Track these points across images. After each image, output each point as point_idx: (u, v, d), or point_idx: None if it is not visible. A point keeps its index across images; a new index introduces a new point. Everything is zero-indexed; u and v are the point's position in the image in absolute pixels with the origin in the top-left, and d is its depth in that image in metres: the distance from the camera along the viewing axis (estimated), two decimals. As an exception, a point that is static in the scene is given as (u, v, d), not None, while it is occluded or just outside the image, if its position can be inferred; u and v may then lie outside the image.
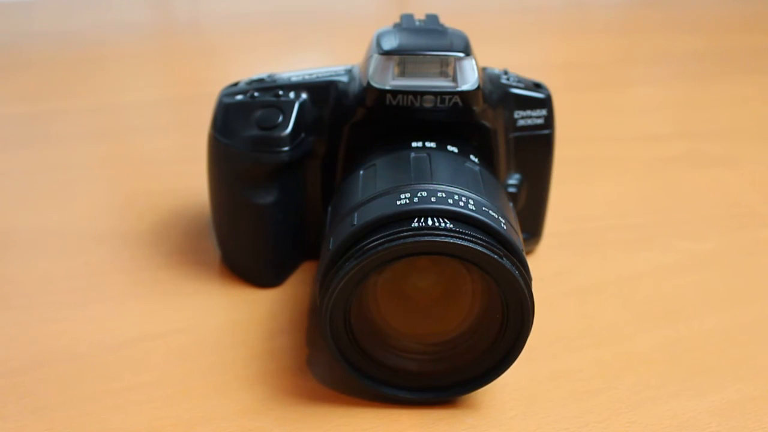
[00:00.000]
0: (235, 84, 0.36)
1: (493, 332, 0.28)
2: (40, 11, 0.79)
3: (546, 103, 0.36)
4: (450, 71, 0.31)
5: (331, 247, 0.27)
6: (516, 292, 0.27)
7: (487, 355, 0.28)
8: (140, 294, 0.36)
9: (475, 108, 0.32)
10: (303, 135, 0.34)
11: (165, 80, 0.65)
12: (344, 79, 0.34)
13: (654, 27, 0.79)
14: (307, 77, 0.34)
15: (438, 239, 0.26)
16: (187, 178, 0.43)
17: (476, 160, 0.31)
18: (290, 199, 0.34)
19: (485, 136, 0.33)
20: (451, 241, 0.26)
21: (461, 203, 0.27)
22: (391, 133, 0.32)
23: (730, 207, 0.44)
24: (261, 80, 0.35)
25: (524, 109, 0.35)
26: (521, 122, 0.35)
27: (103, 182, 0.47)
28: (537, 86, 0.36)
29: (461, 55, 0.31)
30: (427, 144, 0.31)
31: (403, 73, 0.31)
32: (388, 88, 0.31)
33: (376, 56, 0.31)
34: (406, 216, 0.26)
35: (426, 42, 0.31)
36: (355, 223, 0.27)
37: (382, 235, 0.26)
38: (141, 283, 0.37)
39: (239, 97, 0.34)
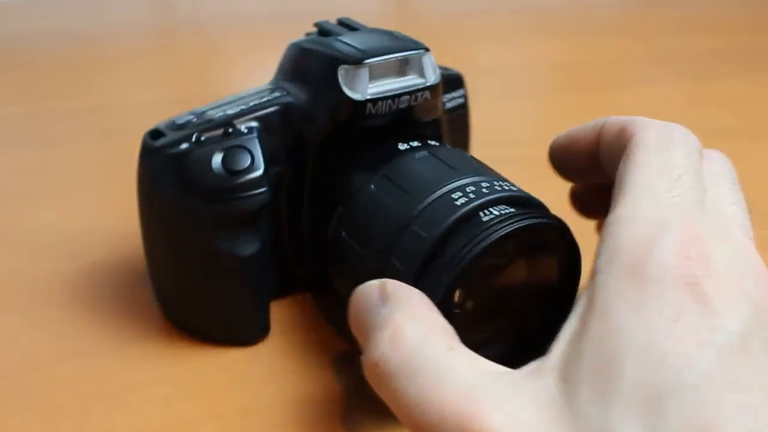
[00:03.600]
0: (158, 134, 0.31)
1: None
2: (40, 11, 0.79)
3: (462, 81, 0.36)
4: (418, 68, 0.31)
5: (400, 266, 0.26)
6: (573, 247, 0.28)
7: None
8: (139, 294, 0.36)
9: (438, 99, 0.32)
10: (271, 169, 0.30)
11: (165, 80, 0.65)
12: (290, 99, 0.31)
13: (654, 27, 0.79)
14: (244, 107, 0.31)
15: (531, 221, 0.26)
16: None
17: (451, 147, 0.32)
18: (266, 240, 0.31)
19: (440, 124, 0.33)
20: (540, 221, 0.26)
21: (506, 187, 0.27)
22: (370, 141, 0.31)
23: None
24: (189, 122, 0.31)
25: (449, 91, 0.36)
26: (448, 104, 0.36)
27: (103, 182, 0.47)
28: (446, 68, 0.36)
29: (423, 50, 0.31)
30: (413, 144, 0.30)
31: (376, 79, 0.30)
32: (368, 97, 0.30)
33: (346, 67, 0.29)
34: (472, 213, 0.26)
35: (388, 44, 0.31)
36: (425, 234, 0.26)
37: (467, 237, 0.25)
38: (141, 283, 0.37)
39: (184, 146, 0.29)
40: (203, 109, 0.31)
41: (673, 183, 0.23)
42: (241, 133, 0.30)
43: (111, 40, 0.72)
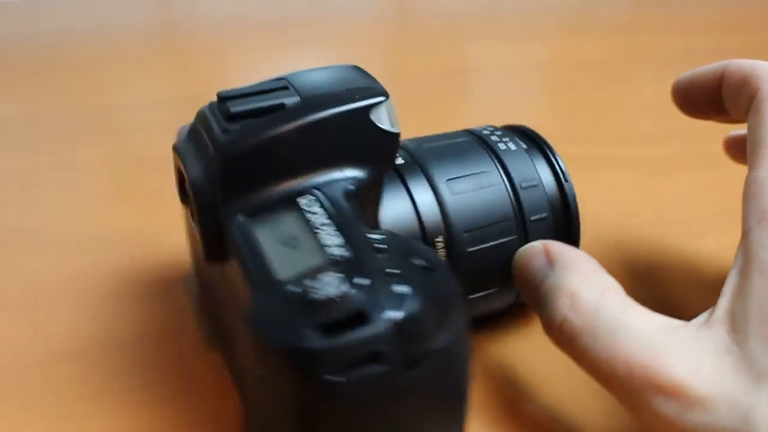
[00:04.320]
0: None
1: None
2: (41, 11, 0.79)
3: None
4: None
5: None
6: None
7: None
8: (141, 294, 0.36)
9: None
10: None
11: (165, 80, 0.65)
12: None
13: (655, 27, 0.78)
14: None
15: None
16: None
17: None
18: None
19: None
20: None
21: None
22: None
23: (730, 207, 0.44)
24: None
25: None
26: None
27: (103, 182, 0.47)
28: None
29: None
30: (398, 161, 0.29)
31: None
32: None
33: (388, 101, 0.26)
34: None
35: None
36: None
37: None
38: (141, 283, 0.37)
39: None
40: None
41: None
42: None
43: (111, 40, 0.72)
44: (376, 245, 0.21)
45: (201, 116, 0.27)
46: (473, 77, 0.67)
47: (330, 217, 0.23)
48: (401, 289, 0.19)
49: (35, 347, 0.33)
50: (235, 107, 0.25)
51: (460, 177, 0.29)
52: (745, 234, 0.23)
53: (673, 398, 0.21)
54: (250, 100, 0.25)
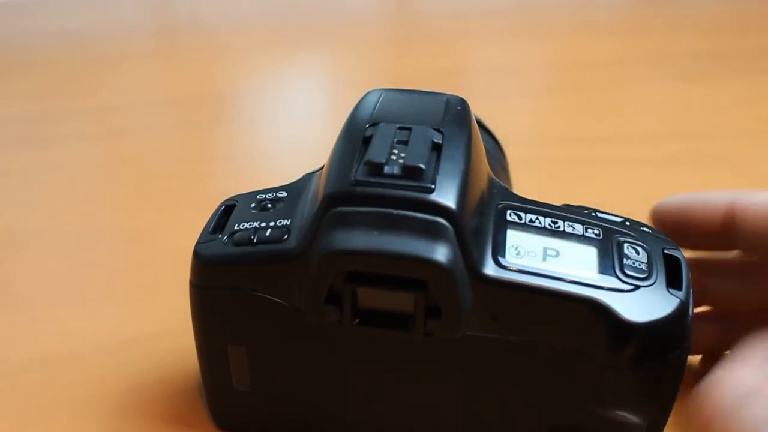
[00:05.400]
0: None
1: None
2: (41, 11, 0.79)
3: None
4: None
5: None
6: None
7: None
8: (140, 294, 0.36)
9: None
10: None
11: (166, 80, 0.65)
12: None
13: (654, 27, 0.78)
14: None
15: None
16: (187, 178, 0.44)
17: None
18: None
19: None
20: None
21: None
22: None
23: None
24: None
25: None
26: None
27: (103, 182, 0.47)
28: None
29: None
30: None
31: None
32: None
33: None
34: None
35: None
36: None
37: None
38: (141, 284, 0.37)
39: None
40: None
41: None
42: None
43: (111, 40, 0.72)
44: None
45: None
46: (473, 77, 0.67)
47: None
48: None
49: (35, 347, 0.33)
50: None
51: None
52: None
53: None
54: None
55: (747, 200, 0.27)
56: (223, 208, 0.26)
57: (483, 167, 0.25)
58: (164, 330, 0.33)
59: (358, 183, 0.22)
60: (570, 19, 0.82)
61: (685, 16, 0.82)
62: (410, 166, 0.22)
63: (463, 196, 0.22)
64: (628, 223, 0.25)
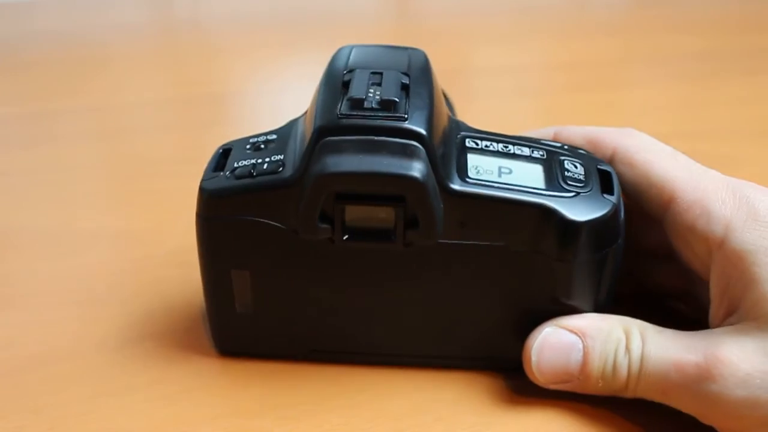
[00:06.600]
0: None
1: None
2: (41, 11, 0.79)
3: None
4: None
5: None
6: None
7: None
8: (140, 294, 0.36)
9: None
10: None
11: (165, 80, 0.65)
12: None
13: (654, 27, 0.78)
14: None
15: None
16: (187, 178, 0.43)
17: None
18: None
19: None
20: None
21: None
22: None
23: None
24: None
25: None
26: None
27: (103, 182, 0.47)
28: None
29: None
30: None
31: None
32: None
33: None
34: None
35: None
36: None
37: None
38: (141, 284, 0.37)
39: None
40: None
41: None
42: None
43: (111, 40, 0.72)
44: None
45: None
46: (473, 77, 0.67)
47: None
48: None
49: (35, 347, 0.33)
50: None
51: None
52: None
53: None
54: None
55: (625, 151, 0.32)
56: (221, 151, 0.30)
57: (443, 107, 0.29)
58: (164, 330, 0.33)
59: (343, 116, 0.26)
60: (570, 19, 0.82)
61: (685, 16, 0.82)
62: (386, 100, 0.26)
63: (431, 123, 0.26)
64: (566, 147, 0.30)
